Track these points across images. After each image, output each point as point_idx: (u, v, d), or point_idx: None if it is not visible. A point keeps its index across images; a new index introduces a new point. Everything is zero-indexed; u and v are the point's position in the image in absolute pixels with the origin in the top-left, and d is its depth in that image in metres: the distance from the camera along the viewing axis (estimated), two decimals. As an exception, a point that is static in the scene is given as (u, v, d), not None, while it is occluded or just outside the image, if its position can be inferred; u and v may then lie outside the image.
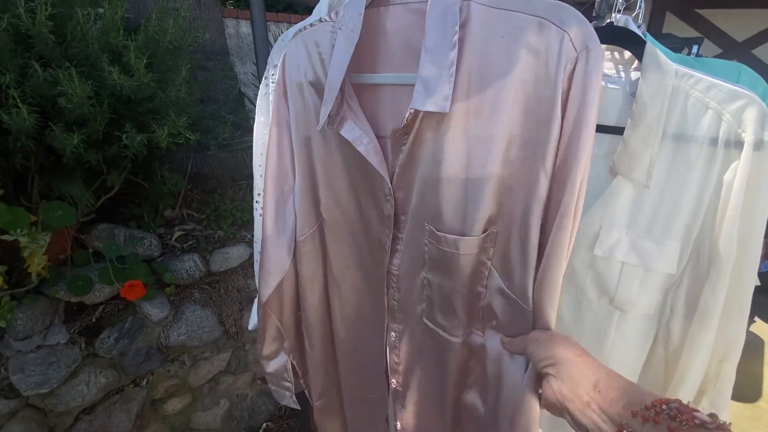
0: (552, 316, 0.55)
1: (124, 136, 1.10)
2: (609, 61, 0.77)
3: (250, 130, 2.03)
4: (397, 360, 0.76)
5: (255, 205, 0.95)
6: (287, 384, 0.91)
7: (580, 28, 0.48)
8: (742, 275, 0.70)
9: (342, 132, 0.60)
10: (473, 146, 0.54)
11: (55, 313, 1.31)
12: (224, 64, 1.91)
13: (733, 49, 3.41)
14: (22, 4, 0.98)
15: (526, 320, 0.56)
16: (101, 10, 1.21)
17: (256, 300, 0.91)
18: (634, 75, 0.74)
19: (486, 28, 0.51)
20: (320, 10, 0.78)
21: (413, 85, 0.53)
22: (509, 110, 0.51)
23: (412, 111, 0.53)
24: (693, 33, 3.48)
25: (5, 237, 1.08)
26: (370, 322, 0.76)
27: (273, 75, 0.82)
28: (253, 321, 1.09)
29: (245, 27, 3.38)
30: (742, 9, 3.34)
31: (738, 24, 3.39)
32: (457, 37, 0.51)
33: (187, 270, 1.58)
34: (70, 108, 0.99)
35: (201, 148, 1.68)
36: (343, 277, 0.76)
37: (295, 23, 3.64)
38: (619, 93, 0.75)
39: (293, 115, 0.69)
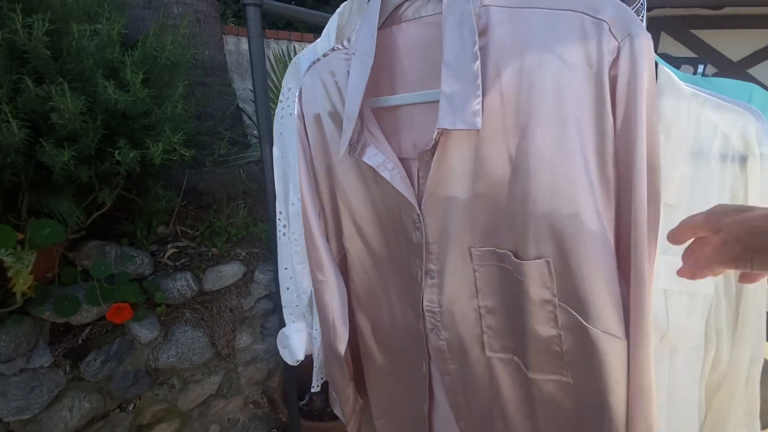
0: (648, 346, 0.49)
1: (116, 152, 1.07)
2: None
3: (247, 146, 2.02)
4: (461, 402, 0.66)
5: (278, 224, 0.91)
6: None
7: (618, 14, 0.43)
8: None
9: (365, 159, 0.57)
10: (515, 160, 0.49)
11: (40, 334, 1.26)
12: (223, 80, 1.90)
13: (729, 69, 3.45)
14: (20, 20, 0.97)
15: (619, 354, 0.50)
16: (99, 26, 1.20)
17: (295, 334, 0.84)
18: None
19: (511, 32, 0.47)
20: (329, 38, 0.76)
21: (436, 103, 0.49)
22: (550, 118, 0.47)
23: (440, 131, 0.50)
24: (688, 53, 3.52)
25: (-11, 256, 1.04)
26: (408, 365, 0.70)
27: (288, 99, 0.80)
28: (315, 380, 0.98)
29: (246, 44, 3.41)
30: (737, 29, 3.38)
31: (733, 44, 3.44)
32: (477, 46, 0.47)
33: (179, 289, 1.54)
34: (62, 124, 0.96)
35: (197, 164, 1.65)
36: (373, 315, 0.72)
37: (295, 41, 3.65)
38: None
39: (313, 147, 0.67)
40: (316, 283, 0.71)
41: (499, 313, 0.58)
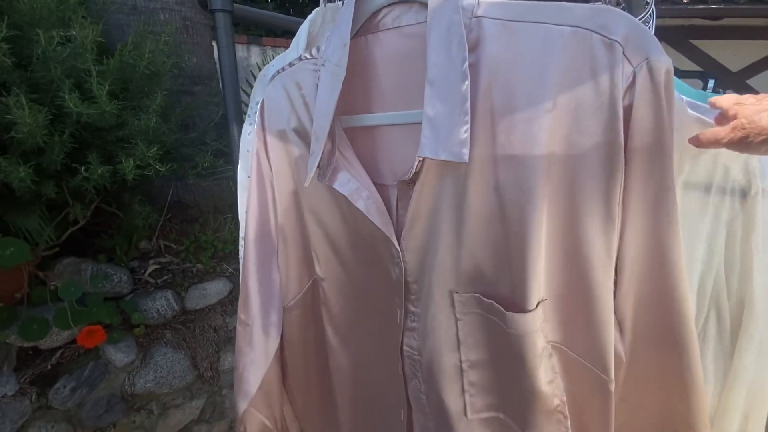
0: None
1: (83, 168, 1.00)
2: None
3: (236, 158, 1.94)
4: None
5: (240, 251, 0.83)
6: None
7: (633, 33, 0.37)
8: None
9: (336, 186, 0.49)
10: (507, 195, 0.43)
11: (5, 360, 1.18)
12: (211, 89, 1.83)
13: (728, 79, 3.41)
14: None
15: (608, 393, 0.46)
16: (73, 33, 1.13)
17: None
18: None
19: (507, 49, 0.41)
20: (298, 45, 0.69)
21: (418, 125, 0.43)
22: (548, 150, 0.40)
23: (421, 159, 0.43)
24: (688, 64, 3.49)
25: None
26: (384, 409, 0.62)
27: (256, 114, 0.73)
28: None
29: (241, 51, 3.36)
30: (737, 40, 3.35)
31: (732, 54, 3.41)
32: (467, 64, 0.40)
33: (158, 309, 1.46)
34: (21, 138, 0.89)
35: (182, 177, 1.58)
36: (349, 344, 0.64)
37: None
38: None
39: (276, 168, 0.59)
40: (239, 324, 0.63)
41: (483, 368, 0.51)
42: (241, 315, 0.62)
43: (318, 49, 0.52)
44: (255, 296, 0.61)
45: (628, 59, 0.37)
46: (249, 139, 0.74)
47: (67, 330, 1.20)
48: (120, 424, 1.37)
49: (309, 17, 0.70)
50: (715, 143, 0.50)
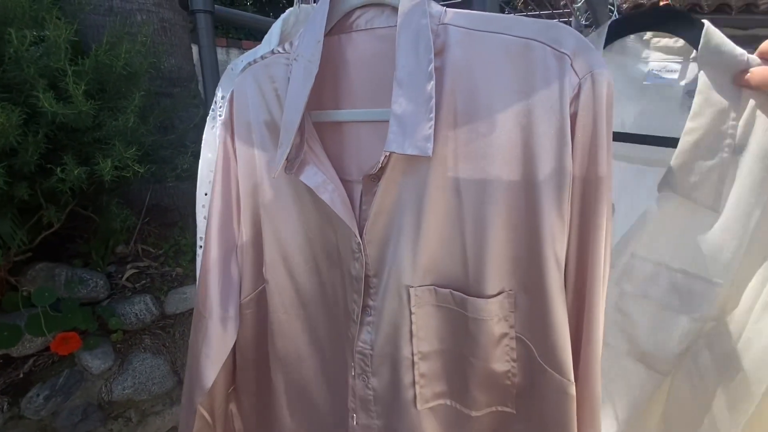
0: (598, 388, 0.47)
1: (58, 169, 0.98)
2: (658, 51, 0.66)
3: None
4: None
5: (198, 250, 0.83)
6: None
7: (580, 49, 0.41)
8: None
9: (302, 178, 0.50)
10: (466, 191, 0.46)
11: (-26, 369, 1.15)
12: (190, 90, 1.81)
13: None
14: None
15: (566, 395, 0.47)
16: (46, 33, 1.11)
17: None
18: (693, 68, 0.62)
19: (470, 54, 0.44)
20: (270, 40, 0.69)
21: (385, 122, 0.44)
22: (506, 149, 0.43)
23: (387, 154, 0.45)
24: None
25: None
26: (327, 418, 0.63)
27: (221, 108, 0.73)
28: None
29: (220, 54, 3.34)
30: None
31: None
32: (432, 66, 0.43)
33: (136, 314, 1.43)
34: (-7, 138, 0.87)
35: (160, 179, 1.56)
36: (289, 358, 0.63)
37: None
38: (674, 92, 0.62)
39: (242, 160, 0.59)
40: (195, 317, 0.62)
41: (434, 359, 0.53)
42: (198, 307, 0.61)
43: (291, 45, 0.53)
44: (214, 290, 0.60)
45: (575, 71, 0.40)
46: (213, 132, 0.73)
47: (40, 337, 1.17)
48: (97, 433, 1.34)
49: (282, 16, 0.71)
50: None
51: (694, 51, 0.57)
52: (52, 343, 1.13)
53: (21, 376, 1.20)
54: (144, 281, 1.59)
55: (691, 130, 0.55)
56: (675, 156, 0.56)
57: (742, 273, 0.54)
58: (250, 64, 0.57)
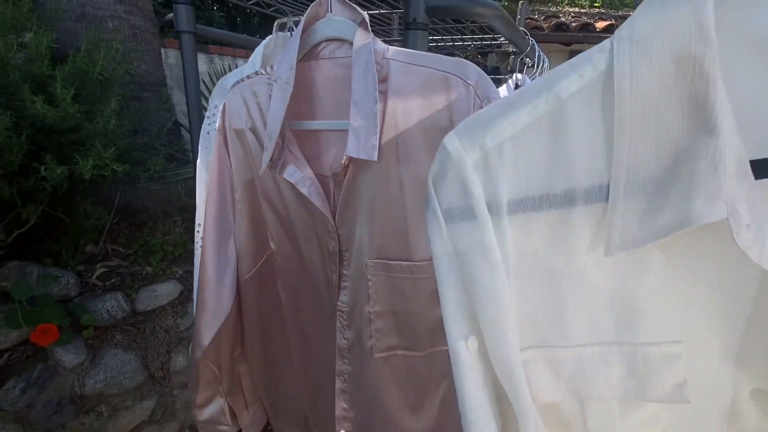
0: None
1: (42, 168, 1.04)
2: None
3: (185, 162, 1.99)
4: (345, 406, 0.75)
5: (196, 236, 0.94)
6: (224, 428, 0.88)
7: (481, 80, 0.56)
8: None
9: (285, 175, 0.63)
10: (405, 186, 0.60)
11: (-53, 363, 1.17)
12: (160, 95, 1.87)
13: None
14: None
15: None
16: (26, 39, 1.17)
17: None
18: None
19: (404, 82, 0.58)
20: (254, 63, 0.82)
21: (347, 131, 0.58)
22: (422, 154, 0.58)
23: (347, 157, 0.58)
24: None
25: None
26: (326, 361, 0.76)
27: (214, 115, 0.84)
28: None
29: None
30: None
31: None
32: (377, 92, 0.57)
33: (108, 310, 1.47)
34: (-18, 139, 0.93)
35: (130, 181, 1.61)
36: (297, 310, 0.77)
37: (239, 57, 3.64)
38: None
39: (234, 160, 0.71)
40: (197, 291, 0.75)
41: (386, 317, 0.68)
42: (199, 282, 0.74)
43: (271, 68, 0.66)
44: (212, 267, 0.73)
45: (478, 96, 0.55)
46: (208, 137, 0.85)
47: (17, 329, 1.20)
48: (70, 426, 1.37)
49: (263, 42, 0.84)
50: None
51: None
52: (32, 335, 1.17)
53: (-5, 370, 1.22)
54: (114, 279, 1.63)
55: None
56: None
57: None
58: (238, 82, 0.69)
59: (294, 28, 0.94)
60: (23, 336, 1.26)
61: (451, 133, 0.38)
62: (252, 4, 1.04)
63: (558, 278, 0.37)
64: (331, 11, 0.62)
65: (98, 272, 1.60)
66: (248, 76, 0.68)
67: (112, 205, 1.73)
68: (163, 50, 2.20)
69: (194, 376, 0.77)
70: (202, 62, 3.44)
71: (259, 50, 0.82)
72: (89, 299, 1.47)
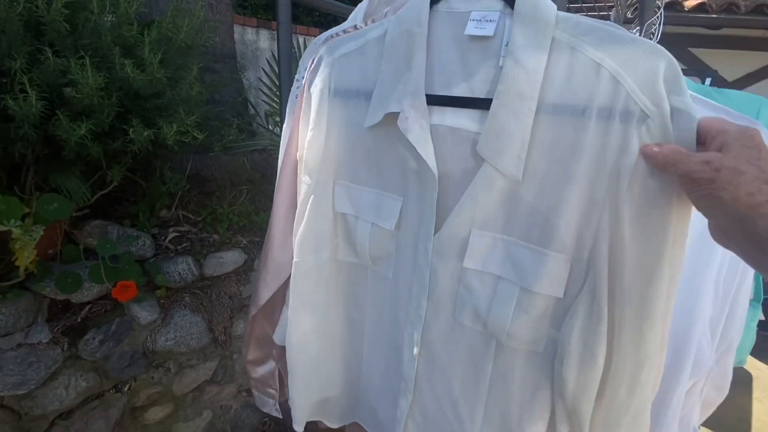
0: None
1: (131, 130, 1.07)
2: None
3: (252, 135, 2.02)
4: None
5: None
6: (272, 392, 0.88)
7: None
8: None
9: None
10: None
11: (38, 311, 1.25)
12: (232, 67, 1.89)
13: (722, 87, 3.54)
14: (39, -10, 0.96)
15: None
16: (115, 2, 1.19)
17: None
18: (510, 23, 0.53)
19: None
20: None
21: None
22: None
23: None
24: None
25: (-3, 227, 1.03)
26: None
27: (303, 78, 0.81)
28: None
29: (250, 34, 3.40)
30: (733, 50, 3.48)
31: (728, 64, 3.54)
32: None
33: (180, 273, 1.53)
34: (79, 98, 0.96)
35: (202, 150, 1.65)
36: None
37: (313, 36, 3.67)
38: (492, 51, 0.54)
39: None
40: (262, 254, 0.75)
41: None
42: (265, 248, 0.74)
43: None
44: (278, 227, 0.71)
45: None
46: (295, 101, 0.82)
47: (100, 284, 1.27)
48: (140, 379, 1.45)
49: None
50: (672, 166, 0.41)
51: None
52: (113, 290, 1.23)
53: (78, 320, 1.30)
54: (184, 244, 1.69)
55: (500, 93, 0.51)
56: (486, 125, 0.52)
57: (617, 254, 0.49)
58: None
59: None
60: (103, 291, 1.33)
61: (323, 44, 0.68)
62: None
63: (352, 138, 0.66)
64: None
65: (171, 236, 1.67)
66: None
67: (184, 173, 1.79)
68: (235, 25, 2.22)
69: (248, 332, 0.79)
70: (265, 38, 3.46)
71: (361, 6, 0.76)
72: (163, 261, 1.53)
